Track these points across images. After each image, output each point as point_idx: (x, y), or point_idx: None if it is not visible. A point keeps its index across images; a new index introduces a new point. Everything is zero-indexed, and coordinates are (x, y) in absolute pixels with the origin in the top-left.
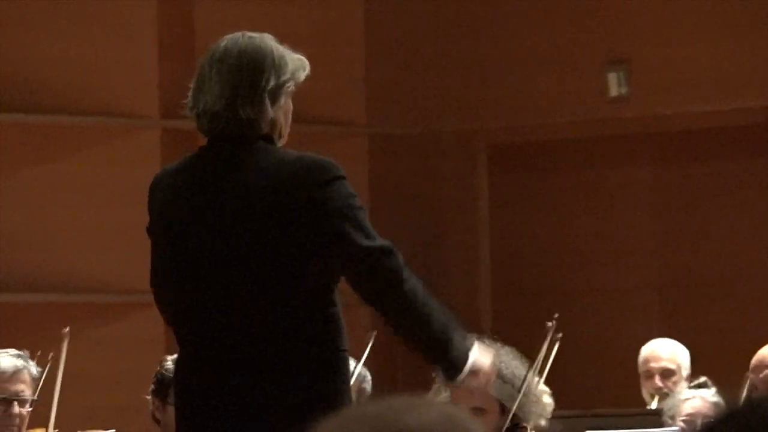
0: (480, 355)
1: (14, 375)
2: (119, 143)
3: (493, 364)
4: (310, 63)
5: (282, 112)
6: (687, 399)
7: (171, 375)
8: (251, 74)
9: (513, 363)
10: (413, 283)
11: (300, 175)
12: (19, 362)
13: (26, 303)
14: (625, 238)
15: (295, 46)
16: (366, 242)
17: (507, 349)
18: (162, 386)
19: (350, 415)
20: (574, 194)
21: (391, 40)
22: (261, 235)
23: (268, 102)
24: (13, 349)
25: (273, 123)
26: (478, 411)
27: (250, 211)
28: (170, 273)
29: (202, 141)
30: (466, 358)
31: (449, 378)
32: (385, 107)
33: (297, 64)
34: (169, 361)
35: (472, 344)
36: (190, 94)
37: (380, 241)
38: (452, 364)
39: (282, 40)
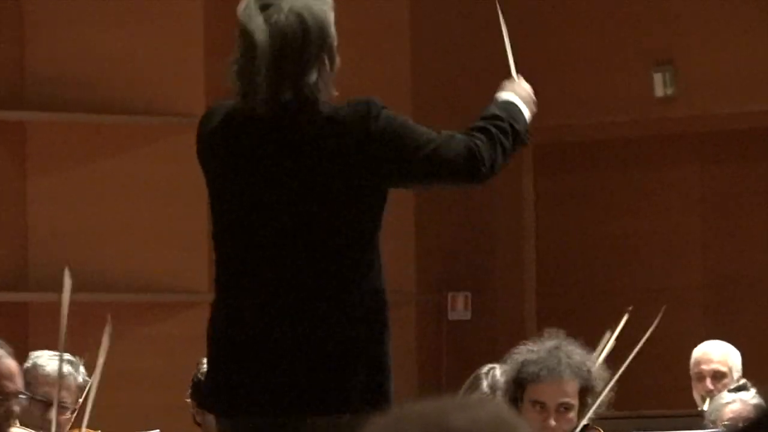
0: (526, 104)
1: (60, 381)
2: (165, 141)
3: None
4: (356, 62)
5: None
6: (727, 403)
7: None
8: (296, 42)
9: (584, 352)
10: (477, 143)
11: (353, 118)
12: (67, 368)
13: (71, 302)
14: (672, 238)
15: (342, 45)
16: (430, 145)
17: (571, 341)
18: (199, 390)
19: (399, 415)
20: (620, 194)
21: (436, 37)
22: (329, 190)
23: (316, 74)
24: (66, 355)
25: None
26: (567, 407)
27: (314, 166)
28: (232, 225)
29: None
30: (526, 125)
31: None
32: (431, 106)
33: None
34: (205, 363)
35: (520, 109)
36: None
37: (439, 137)
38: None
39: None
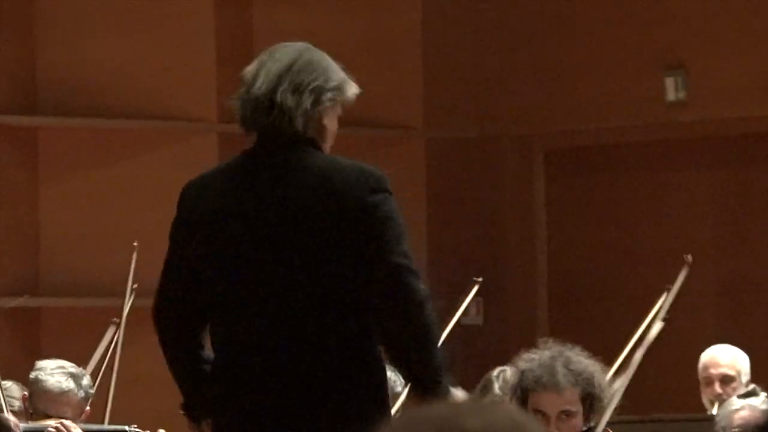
0: (459, 393)
1: (59, 396)
2: (176, 147)
3: None
4: (368, 68)
5: (328, 120)
6: (737, 410)
7: None
8: (300, 69)
9: (586, 360)
10: (431, 311)
11: (359, 180)
12: (67, 384)
13: (82, 307)
14: (683, 243)
15: (354, 51)
16: (401, 259)
17: (573, 349)
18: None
19: (415, 417)
20: (631, 198)
21: (448, 44)
22: (315, 238)
23: (308, 99)
24: (70, 365)
25: (321, 130)
26: (568, 414)
27: (304, 213)
28: (218, 274)
29: None
30: (446, 389)
31: (424, 395)
32: (443, 111)
33: (347, 83)
34: None
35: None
36: (242, 84)
37: (414, 265)
38: (434, 392)
39: (341, 44)
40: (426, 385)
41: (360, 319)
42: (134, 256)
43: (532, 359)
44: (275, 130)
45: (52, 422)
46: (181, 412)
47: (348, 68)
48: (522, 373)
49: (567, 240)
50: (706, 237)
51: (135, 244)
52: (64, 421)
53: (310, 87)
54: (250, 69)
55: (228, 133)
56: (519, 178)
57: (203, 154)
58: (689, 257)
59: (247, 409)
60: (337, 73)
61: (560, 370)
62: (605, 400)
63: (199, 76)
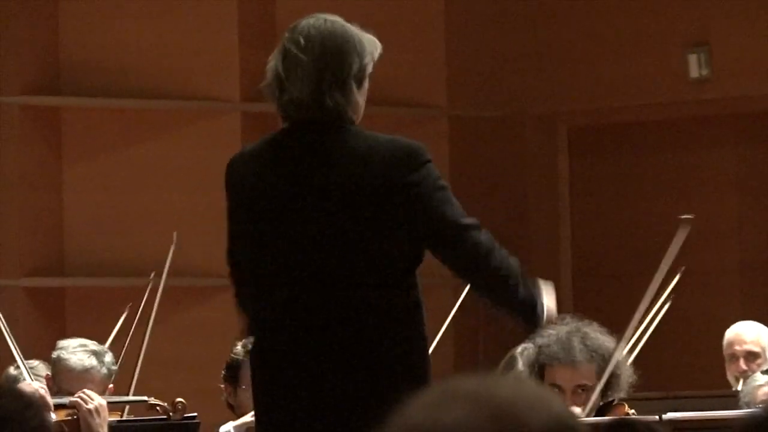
0: (551, 303)
1: (82, 374)
2: (200, 127)
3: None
4: (391, 47)
5: (363, 95)
6: (760, 385)
7: (240, 359)
8: (337, 60)
9: (603, 336)
10: (500, 255)
11: (395, 159)
12: (89, 361)
13: (106, 287)
14: (708, 220)
15: (378, 31)
16: (459, 219)
17: (591, 324)
18: (232, 370)
19: (447, 390)
20: (655, 176)
21: (471, 23)
22: (357, 218)
23: (354, 87)
24: (92, 343)
25: (356, 106)
26: (584, 388)
27: (346, 193)
28: (261, 255)
29: (282, 125)
30: (543, 313)
31: (530, 329)
32: (466, 90)
33: (372, 45)
34: (239, 346)
35: (544, 295)
36: (271, 77)
37: (470, 219)
38: (535, 322)
39: (365, 24)
40: (526, 319)
41: (402, 296)
42: (172, 247)
43: (549, 334)
44: (325, 122)
45: (68, 398)
46: None
47: None
48: (539, 348)
49: (590, 218)
50: (730, 214)
51: (175, 234)
52: (86, 390)
53: (353, 74)
54: (276, 61)
55: (251, 112)
56: (542, 157)
57: (226, 134)
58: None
59: (287, 385)
60: (363, 42)
61: (577, 345)
62: (622, 376)
63: (222, 56)
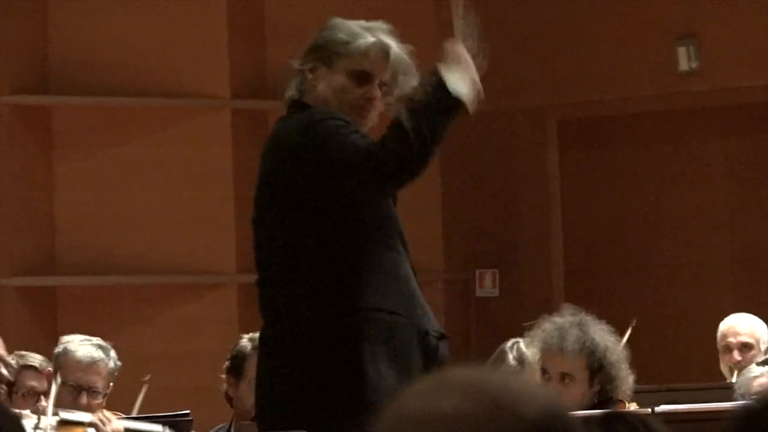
0: (464, 78)
1: (90, 366)
2: (190, 124)
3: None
4: None
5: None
6: (755, 377)
7: (245, 352)
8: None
9: (605, 334)
10: (409, 138)
11: (292, 131)
12: (97, 354)
13: (98, 286)
14: (698, 212)
15: None
16: (358, 158)
17: (598, 322)
18: (236, 362)
19: (438, 381)
20: (645, 169)
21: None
22: (265, 197)
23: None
24: (96, 339)
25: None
26: (567, 377)
27: (263, 173)
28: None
29: (273, 121)
30: (459, 95)
31: (465, 112)
32: None
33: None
34: (245, 339)
35: (454, 80)
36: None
37: (367, 150)
38: (458, 106)
39: (353, 20)
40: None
41: (335, 274)
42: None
43: (554, 321)
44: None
45: (86, 414)
46: None
47: None
48: (540, 331)
49: (582, 211)
50: (720, 206)
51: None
52: (105, 411)
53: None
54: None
55: (241, 108)
56: (533, 150)
57: (216, 131)
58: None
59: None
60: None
61: (570, 335)
62: (621, 374)
63: (211, 53)
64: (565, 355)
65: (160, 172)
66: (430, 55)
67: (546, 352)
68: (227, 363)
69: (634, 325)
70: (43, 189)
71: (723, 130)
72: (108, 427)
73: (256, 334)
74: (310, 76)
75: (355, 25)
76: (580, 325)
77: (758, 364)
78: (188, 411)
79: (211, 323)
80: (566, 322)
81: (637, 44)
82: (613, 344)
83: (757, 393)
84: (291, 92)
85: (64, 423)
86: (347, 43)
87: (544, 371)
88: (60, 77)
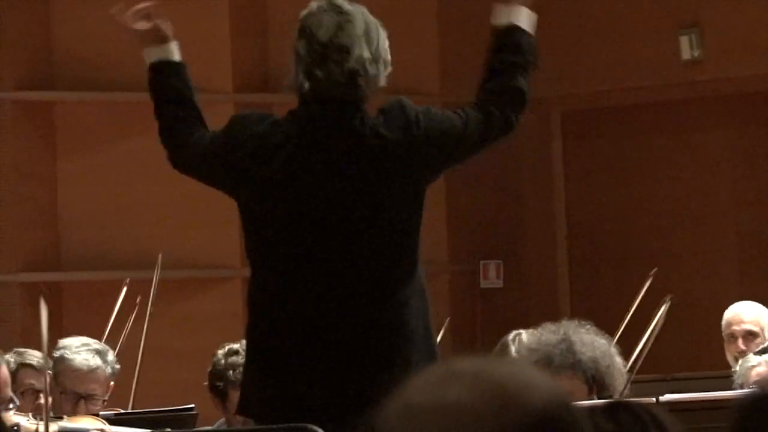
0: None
1: (88, 374)
2: None
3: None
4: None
5: None
6: (753, 366)
7: (221, 384)
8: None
9: (593, 341)
10: (501, 103)
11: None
12: (95, 361)
13: (103, 281)
14: (703, 202)
15: None
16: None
17: (587, 325)
18: (216, 391)
19: (443, 372)
20: (649, 159)
21: (464, 8)
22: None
23: None
24: (94, 342)
25: None
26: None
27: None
28: (289, 230)
29: (276, 115)
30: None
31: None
32: (459, 77)
33: None
34: (220, 353)
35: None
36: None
37: (465, 115)
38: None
39: None
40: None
41: (417, 286)
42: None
43: (539, 341)
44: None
45: (88, 425)
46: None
47: None
48: (530, 352)
49: (585, 202)
50: (725, 195)
51: (160, 256)
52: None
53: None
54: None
55: (244, 102)
56: (536, 141)
57: (219, 125)
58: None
59: (302, 362)
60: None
61: (562, 357)
62: (616, 378)
63: (214, 47)
64: (560, 380)
65: (164, 166)
66: (431, 53)
67: None
68: (207, 382)
69: (668, 302)
70: (47, 184)
71: (726, 119)
72: None
73: (235, 346)
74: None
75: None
76: (564, 342)
77: (757, 353)
78: (193, 405)
79: (216, 318)
80: (553, 342)
81: (640, 34)
82: (601, 350)
83: (755, 382)
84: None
85: None
86: None
87: None
88: (63, 73)
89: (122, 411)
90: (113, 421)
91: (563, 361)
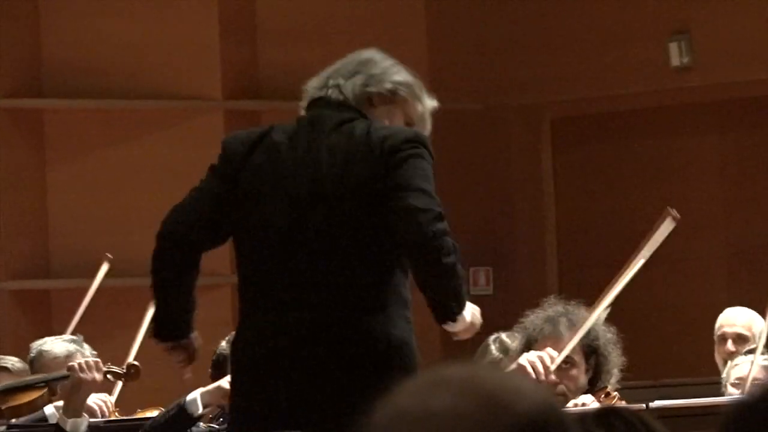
0: (474, 314)
1: (68, 359)
2: (183, 126)
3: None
4: (372, 41)
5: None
6: (735, 365)
7: (224, 353)
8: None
9: (599, 325)
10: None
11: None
12: (72, 346)
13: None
14: (692, 207)
15: (358, 25)
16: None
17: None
18: (217, 367)
19: (433, 378)
20: (639, 165)
21: (452, 16)
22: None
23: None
24: (66, 335)
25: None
26: (567, 362)
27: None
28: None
29: (266, 121)
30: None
31: (443, 322)
32: (449, 83)
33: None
34: (224, 342)
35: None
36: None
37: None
38: (455, 318)
39: (345, 21)
40: (446, 312)
41: (389, 286)
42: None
43: (536, 316)
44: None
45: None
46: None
47: (353, 42)
48: (525, 329)
49: (575, 208)
50: (714, 201)
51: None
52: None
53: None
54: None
55: (234, 109)
56: (526, 148)
57: (209, 132)
58: (673, 211)
59: (280, 373)
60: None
61: (564, 320)
62: (610, 359)
63: (203, 54)
64: (562, 340)
65: (154, 174)
66: (421, 55)
67: (540, 342)
68: (210, 370)
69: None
70: (36, 192)
71: (716, 125)
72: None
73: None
74: None
75: None
76: (567, 313)
77: (745, 353)
78: None
79: (206, 324)
80: (554, 312)
81: (629, 41)
82: (600, 326)
83: (738, 379)
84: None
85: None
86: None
87: None
88: (53, 80)
89: (113, 418)
90: (103, 428)
91: (568, 325)
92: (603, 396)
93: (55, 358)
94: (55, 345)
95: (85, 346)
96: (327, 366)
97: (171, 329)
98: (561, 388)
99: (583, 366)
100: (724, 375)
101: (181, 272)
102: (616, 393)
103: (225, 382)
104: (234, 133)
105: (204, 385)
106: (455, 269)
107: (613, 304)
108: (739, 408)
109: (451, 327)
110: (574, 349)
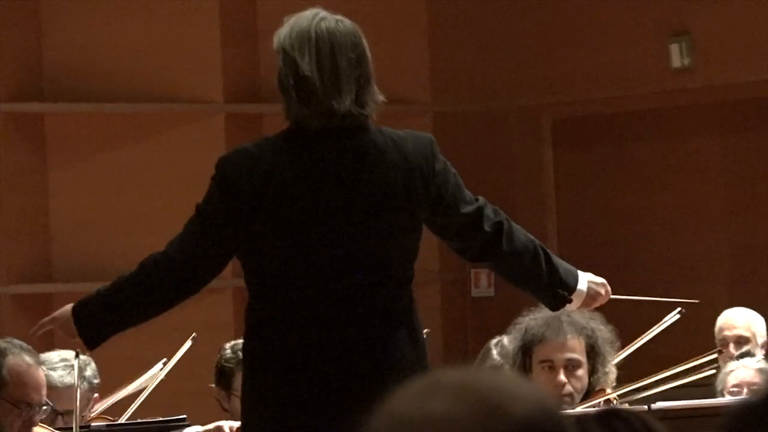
0: (591, 280)
1: (64, 391)
2: (183, 129)
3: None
4: (374, 43)
5: None
6: (731, 371)
7: (230, 365)
8: (366, 65)
9: (598, 324)
10: (512, 231)
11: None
12: (69, 379)
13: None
14: (694, 209)
15: (360, 27)
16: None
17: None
18: (225, 378)
19: (432, 382)
20: (640, 167)
21: (454, 17)
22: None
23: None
24: (67, 355)
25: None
26: (572, 363)
27: (388, 192)
28: (293, 250)
29: (267, 125)
30: (574, 286)
31: (558, 306)
32: (450, 85)
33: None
34: (228, 349)
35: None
36: (297, 83)
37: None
38: (561, 296)
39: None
40: (559, 304)
41: (409, 293)
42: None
43: (534, 318)
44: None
45: None
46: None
47: None
48: (525, 331)
49: (577, 210)
50: (716, 202)
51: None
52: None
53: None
54: (310, 67)
55: (235, 113)
56: (527, 150)
57: (210, 136)
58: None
59: (299, 382)
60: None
61: (565, 320)
62: (608, 359)
63: (204, 58)
64: (567, 341)
65: (155, 177)
66: (421, 57)
67: (544, 343)
68: (215, 377)
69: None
70: (38, 196)
71: (717, 126)
72: None
73: (239, 342)
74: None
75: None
76: (565, 313)
77: (740, 356)
78: (185, 416)
79: (207, 328)
80: (550, 315)
81: (630, 42)
82: (599, 325)
83: (734, 386)
84: (370, 110)
85: None
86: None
87: (543, 363)
88: (54, 84)
89: (114, 422)
90: None
91: (568, 324)
92: (602, 397)
93: (53, 388)
94: (55, 373)
95: (88, 373)
96: (368, 385)
97: (99, 331)
98: (568, 388)
99: (586, 366)
100: (716, 382)
101: (171, 300)
102: (615, 395)
103: (226, 425)
104: (231, 160)
105: (204, 386)
106: (536, 250)
107: (613, 304)
108: (742, 409)
109: (571, 307)
110: (579, 348)
